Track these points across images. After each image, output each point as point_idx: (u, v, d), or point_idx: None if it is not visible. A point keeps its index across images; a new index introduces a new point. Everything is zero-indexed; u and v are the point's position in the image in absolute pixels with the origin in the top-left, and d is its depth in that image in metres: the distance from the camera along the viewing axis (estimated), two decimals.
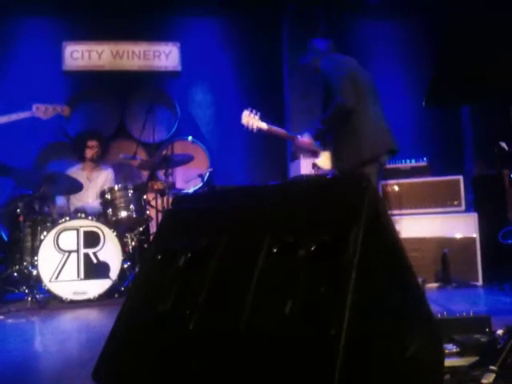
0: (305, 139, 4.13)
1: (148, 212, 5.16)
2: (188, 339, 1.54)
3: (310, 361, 1.21)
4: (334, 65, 3.88)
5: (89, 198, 5.39)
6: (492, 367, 1.76)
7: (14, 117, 4.46)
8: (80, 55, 6.68)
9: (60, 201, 5.47)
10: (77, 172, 5.50)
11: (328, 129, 3.94)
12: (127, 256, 4.87)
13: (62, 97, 6.53)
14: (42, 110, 4.51)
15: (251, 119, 4.20)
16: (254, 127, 4.21)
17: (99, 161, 5.72)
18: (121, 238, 4.82)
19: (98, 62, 6.71)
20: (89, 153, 5.58)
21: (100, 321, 3.96)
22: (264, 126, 4.20)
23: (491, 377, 1.73)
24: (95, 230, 4.69)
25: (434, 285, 4.86)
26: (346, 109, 3.73)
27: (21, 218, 4.66)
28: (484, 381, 1.73)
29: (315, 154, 4.23)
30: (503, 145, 4.94)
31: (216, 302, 1.54)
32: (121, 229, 4.95)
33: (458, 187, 5.13)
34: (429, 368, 1.54)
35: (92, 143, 5.60)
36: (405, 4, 6.64)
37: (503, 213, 5.14)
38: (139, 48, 6.80)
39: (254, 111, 4.22)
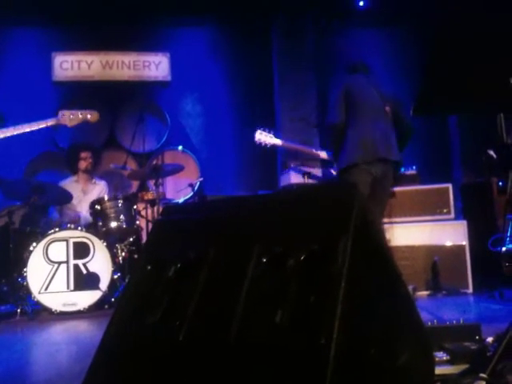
0: (324, 152, 4.63)
1: (138, 222, 5.15)
2: (178, 350, 1.53)
3: (300, 370, 1.21)
4: (335, 84, 4.18)
5: (83, 209, 5.37)
6: (482, 375, 1.76)
7: (38, 125, 4.26)
8: (69, 65, 6.68)
9: (53, 212, 5.46)
10: (71, 184, 5.49)
11: (332, 146, 4.26)
12: (117, 267, 4.85)
13: (52, 107, 6.50)
14: (67, 117, 4.34)
15: (263, 137, 4.67)
16: (267, 143, 4.69)
17: (92, 172, 5.71)
18: (111, 248, 4.80)
19: (87, 72, 6.71)
20: (82, 164, 5.57)
21: (90, 332, 3.93)
22: (278, 142, 4.72)
23: None
24: (85, 240, 4.67)
25: (425, 293, 4.88)
26: (332, 126, 4.06)
27: (10, 229, 4.63)
28: None
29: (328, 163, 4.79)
30: (491, 153, 4.98)
31: (206, 313, 1.53)
32: (111, 239, 4.93)
33: (447, 195, 5.16)
34: (419, 376, 1.54)
35: (85, 154, 5.58)
36: (394, 12, 6.70)
37: (492, 220, 5.17)
38: (129, 58, 6.80)
39: (266, 130, 4.73)
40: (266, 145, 4.67)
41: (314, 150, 4.69)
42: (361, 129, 3.97)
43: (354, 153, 3.92)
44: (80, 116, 4.37)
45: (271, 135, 4.66)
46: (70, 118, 4.33)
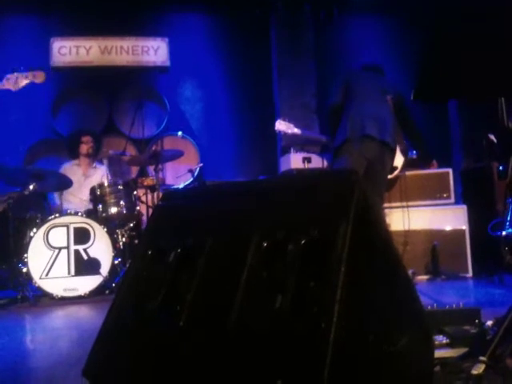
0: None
1: (138, 208, 5.15)
2: (178, 335, 1.54)
3: (300, 354, 1.22)
4: (338, 76, 4.50)
5: (83, 194, 5.34)
6: (482, 358, 1.77)
7: None
8: (68, 51, 6.62)
9: (53, 198, 5.46)
10: (72, 168, 5.50)
11: (330, 128, 4.43)
12: (118, 252, 4.86)
13: (50, 93, 6.49)
14: (12, 82, 4.04)
15: (283, 126, 4.72)
16: (288, 132, 4.74)
17: (94, 157, 5.70)
18: (111, 234, 4.81)
19: (86, 57, 6.66)
20: (84, 148, 5.56)
21: (91, 317, 3.95)
22: (298, 131, 4.74)
23: (481, 368, 1.74)
24: (85, 226, 4.67)
25: (424, 277, 4.90)
26: (329, 105, 4.35)
27: (9, 216, 4.63)
28: (474, 372, 1.74)
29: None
30: (492, 137, 4.96)
31: (206, 298, 1.54)
32: (111, 225, 4.93)
33: (448, 180, 5.16)
34: (419, 360, 1.55)
35: (86, 138, 5.58)
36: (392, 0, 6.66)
37: (492, 205, 5.17)
38: (127, 43, 6.75)
39: (286, 119, 4.79)
40: (285, 134, 4.77)
41: (326, 139, 4.73)
42: (353, 111, 4.13)
43: (345, 130, 4.08)
44: (25, 79, 4.07)
45: (292, 125, 4.73)
46: (15, 81, 4.05)
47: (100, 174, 5.60)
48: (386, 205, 4.82)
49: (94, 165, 5.67)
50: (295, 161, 5.56)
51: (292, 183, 1.61)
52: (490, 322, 2.22)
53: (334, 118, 4.25)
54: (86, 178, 5.54)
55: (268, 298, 1.34)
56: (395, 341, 1.40)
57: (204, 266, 1.57)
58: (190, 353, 1.45)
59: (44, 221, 4.59)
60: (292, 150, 5.75)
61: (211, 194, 1.89)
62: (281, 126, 4.71)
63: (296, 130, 4.71)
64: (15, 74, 4.06)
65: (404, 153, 4.73)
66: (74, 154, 5.65)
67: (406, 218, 4.95)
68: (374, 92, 4.26)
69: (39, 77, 4.13)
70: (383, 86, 4.37)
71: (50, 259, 4.52)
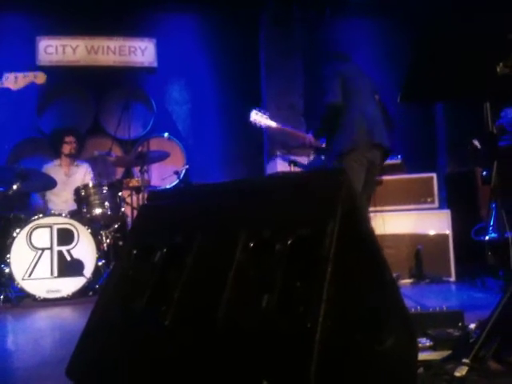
0: (311, 137, 4.47)
1: (123, 209, 5.12)
2: (164, 335, 1.53)
3: (286, 354, 1.22)
4: (330, 69, 4.24)
5: (67, 193, 5.29)
6: (465, 360, 1.78)
7: None
8: (54, 50, 6.56)
9: (36, 198, 5.41)
10: (54, 168, 5.45)
11: (324, 126, 4.26)
12: (102, 253, 4.83)
13: (36, 92, 6.43)
14: (11, 80, 4.02)
15: (259, 117, 4.59)
16: (262, 124, 4.61)
17: (76, 156, 5.66)
18: (95, 235, 4.77)
19: (72, 57, 6.61)
20: (66, 148, 5.52)
21: (74, 319, 3.92)
22: (273, 124, 4.62)
23: (464, 370, 1.76)
24: (69, 227, 4.63)
25: (408, 281, 4.92)
26: (332, 106, 4.09)
27: None
28: (457, 374, 1.75)
29: (319, 151, 4.69)
30: (476, 142, 5.01)
31: (193, 298, 1.53)
32: (95, 226, 4.90)
33: (432, 184, 5.20)
34: (403, 362, 1.56)
35: (69, 139, 5.54)
36: (382, 2, 6.68)
37: (476, 210, 5.22)
38: (114, 43, 6.71)
39: (262, 111, 4.66)
40: (260, 126, 4.64)
41: (306, 136, 4.63)
42: (357, 115, 4.05)
43: (353, 138, 3.99)
44: (25, 78, 4.06)
45: (266, 116, 4.62)
46: (15, 81, 4.02)
47: (82, 172, 5.58)
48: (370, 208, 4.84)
49: (76, 163, 5.65)
50: (281, 164, 5.57)
51: (279, 183, 1.61)
52: (472, 325, 2.24)
53: (334, 118, 4.09)
54: (68, 177, 5.51)
55: (255, 297, 1.33)
56: (380, 341, 1.40)
57: (191, 266, 1.57)
58: (176, 352, 1.45)
59: (27, 221, 4.54)
60: (278, 153, 5.76)
61: (198, 194, 1.88)
62: (257, 116, 4.60)
63: (270, 122, 4.59)
64: (14, 73, 4.03)
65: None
66: (56, 153, 5.62)
67: (387, 222, 4.99)
68: (368, 92, 4.23)
69: (40, 77, 4.12)
70: (373, 85, 4.35)
71: (32, 260, 4.47)
